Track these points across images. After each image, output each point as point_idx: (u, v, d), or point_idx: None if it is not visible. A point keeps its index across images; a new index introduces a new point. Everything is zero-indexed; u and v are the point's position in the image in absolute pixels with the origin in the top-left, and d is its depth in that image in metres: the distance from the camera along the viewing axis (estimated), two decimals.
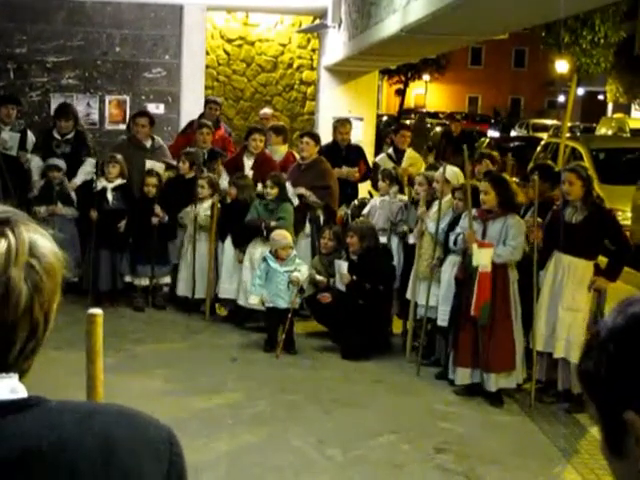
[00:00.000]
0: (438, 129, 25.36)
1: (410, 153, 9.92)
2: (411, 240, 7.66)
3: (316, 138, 8.93)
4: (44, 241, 1.24)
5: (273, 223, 7.92)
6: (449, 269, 6.99)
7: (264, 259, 7.65)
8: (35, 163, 8.93)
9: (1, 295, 1.17)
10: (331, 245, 7.97)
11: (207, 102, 10.44)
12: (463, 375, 6.58)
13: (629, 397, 1.06)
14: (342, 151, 9.64)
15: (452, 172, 7.41)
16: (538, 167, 7.74)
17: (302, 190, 8.41)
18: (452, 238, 6.79)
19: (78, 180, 8.91)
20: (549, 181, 7.10)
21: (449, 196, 7.20)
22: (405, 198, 8.07)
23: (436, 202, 7.26)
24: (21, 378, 1.26)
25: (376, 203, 8.25)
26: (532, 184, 7.00)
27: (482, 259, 6.33)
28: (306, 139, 8.80)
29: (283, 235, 7.65)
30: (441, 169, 7.41)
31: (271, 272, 7.56)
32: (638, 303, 1.10)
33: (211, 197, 8.42)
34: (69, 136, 9.10)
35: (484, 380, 6.48)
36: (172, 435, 1.33)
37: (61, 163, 8.76)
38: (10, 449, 1.17)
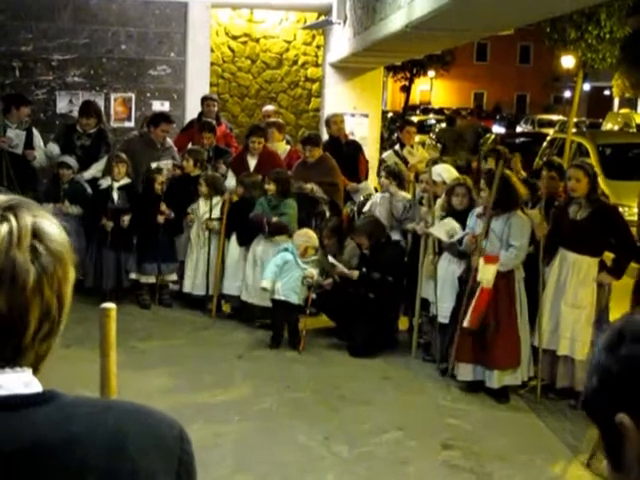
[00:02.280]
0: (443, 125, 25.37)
1: (419, 150, 9.93)
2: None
3: (315, 141, 8.94)
4: (51, 226, 1.26)
5: (275, 219, 7.91)
6: (445, 265, 6.99)
7: (286, 249, 7.56)
8: (56, 154, 8.98)
9: (9, 277, 1.20)
10: (332, 242, 7.96)
11: (203, 99, 10.41)
12: (465, 371, 6.58)
13: (620, 401, 1.07)
14: (342, 147, 9.64)
15: (441, 171, 7.40)
16: (548, 163, 7.74)
17: (312, 184, 8.41)
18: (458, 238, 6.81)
19: (87, 174, 8.94)
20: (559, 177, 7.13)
21: (443, 195, 7.22)
22: (408, 195, 8.05)
23: (437, 200, 7.30)
24: (39, 364, 1.27)
25: (377, 200, 8.23)
26: (544, 180, 7.00)
27: (486, 275, 6.33)
28: (309, 147, 8.79)
29: (309, 236, 7.61)
30: (433, 168, 7.45)
31: (289, 265, 7.48)
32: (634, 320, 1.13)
33: (211, 195, 8.39)
34: (91, 131, 9.19)
35: (486, 377, 6.48)
36: (183, 433, 1.35)
37: (72, 161, 8.77)
38: (21, 443, 1.18)
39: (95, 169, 8.99)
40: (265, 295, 7.64)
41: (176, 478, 1.31)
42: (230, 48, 13.54)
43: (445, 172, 7.39)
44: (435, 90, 54.47)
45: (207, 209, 8.37)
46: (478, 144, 17.73)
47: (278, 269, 7.49)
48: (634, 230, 6.80)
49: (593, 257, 6.39)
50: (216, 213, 8.38)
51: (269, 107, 11.28)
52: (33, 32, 11.47)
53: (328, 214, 8.56)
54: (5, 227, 1.22)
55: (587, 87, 41.28)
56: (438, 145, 20.53)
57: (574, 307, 6.35)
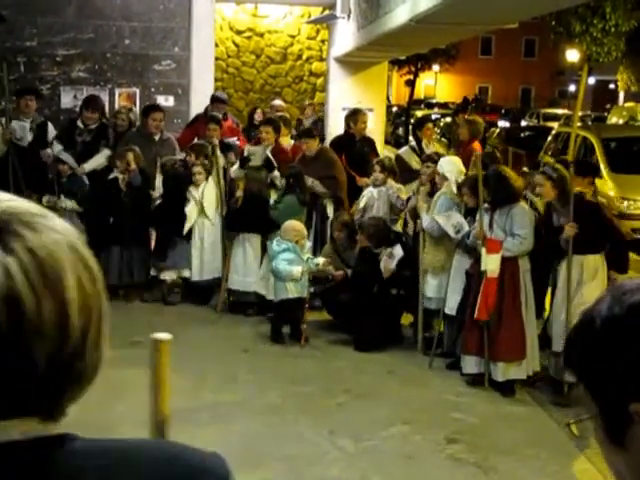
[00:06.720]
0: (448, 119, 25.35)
1: (435, 145, 9.96)
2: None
3: (311, 134, 9.00)
4: (47, 246, 0.97)
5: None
6: (458, 258, 6.98)
7: (286, 249, 7.47)
8: (58, 151, 9.02)
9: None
10: (343, 236, 7.96)
11: (213, 99, 10.38)
12: (470, 363, 6.58)
13: (634, 390, 1.03)
14: (356, 143, 9.61)
15: (444, 163, 7.39)
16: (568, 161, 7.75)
17: (310, 179, 8.40)
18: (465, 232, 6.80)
19: (87, 166, 8.95)
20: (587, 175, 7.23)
21: (443, 188, 7.23)
22: (402, 187, 8.15)
23: (436, 194, 7.31)
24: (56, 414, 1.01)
25: (373, 195, 8.18)
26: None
27: (489, 264, 6.31)
28: (304, 139, 8.88)
29: (296, 229, 7.57)
30: (440, 161, 7.46)
31: (296, 262, 7.44)
32: (634, 292, 1.07)
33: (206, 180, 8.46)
34: (92, 126, 9.18)
35: (491, 369, 6.48)
36: None
37: (68, 157, 8.78)
38: None
39: (95, 162, 8.99)
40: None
41: None
42: (234, 43, 13.55)
43: (448, 164, 7.37)
44: (440, 84, 54.37)
45: (200, 192, 8.41)
46: (484, 139, 17.69)
47: (290, 262, 7.46)
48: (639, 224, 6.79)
49: (595, 254, 6.39)
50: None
51: (278, 101, 11.28)
52: (38, 27, 11.48)
53: (331, 208, 8.57)
54: None
55: (592, 81, 41.20)
56: (443, 139, 20.52)
57: (585, 305, 6.29)
